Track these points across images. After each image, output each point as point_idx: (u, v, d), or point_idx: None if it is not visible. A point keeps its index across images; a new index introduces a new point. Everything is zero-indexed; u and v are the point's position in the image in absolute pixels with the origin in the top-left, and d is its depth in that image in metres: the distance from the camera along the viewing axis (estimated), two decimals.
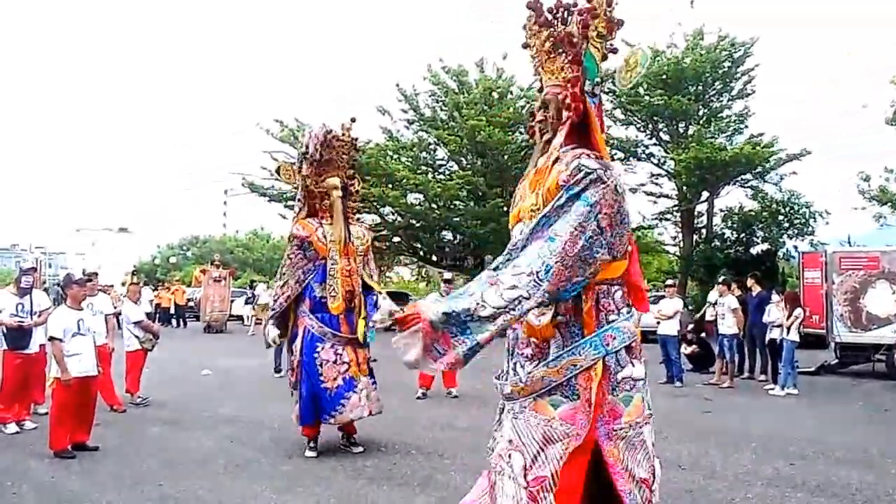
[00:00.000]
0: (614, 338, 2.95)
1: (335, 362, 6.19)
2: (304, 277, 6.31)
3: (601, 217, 2.82)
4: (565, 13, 3.20)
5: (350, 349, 6.27)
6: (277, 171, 6.81)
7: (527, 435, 2.92)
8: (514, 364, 3.13)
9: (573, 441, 2.84)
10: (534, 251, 2.74)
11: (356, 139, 6.86)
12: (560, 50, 3.18)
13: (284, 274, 6.43)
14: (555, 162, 3.06)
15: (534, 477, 2.83)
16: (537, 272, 2.67)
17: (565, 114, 3.12)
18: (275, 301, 6.48)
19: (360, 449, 6.55)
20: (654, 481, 2.98)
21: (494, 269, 2.78)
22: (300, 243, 6.33)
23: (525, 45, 3.36)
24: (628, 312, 3.05)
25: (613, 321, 2.98)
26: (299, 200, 6.57)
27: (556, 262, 2.69)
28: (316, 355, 6.17)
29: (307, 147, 6.40)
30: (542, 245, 2.74)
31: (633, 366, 3.00)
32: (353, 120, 6.80)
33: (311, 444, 6.41)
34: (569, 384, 2.91)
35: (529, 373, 2.99)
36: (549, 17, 3.22)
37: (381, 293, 6.50)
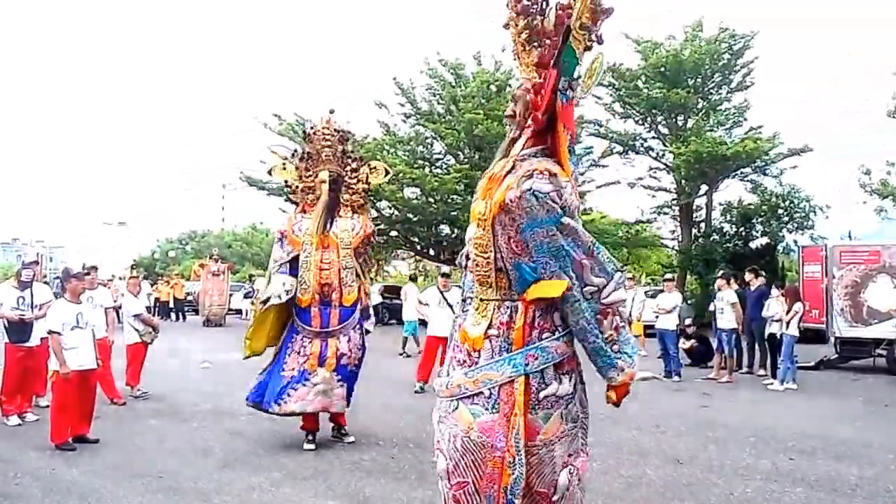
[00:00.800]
0: (536, 357, 2.95)
1: (298, 353, 6.25)
2: (279, 270, 6.38)
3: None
4: (544, 3, 3.08)
5: (318, 342, 6.27)
6: (269, 172, 6.91)
7: (448, 441, 3.02)
8: (449, 366, 3.21)
9: (489, 452, 2.89)
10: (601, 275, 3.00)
11: (344, 131, 6.81)
12: (535, 43, 3.08)
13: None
14: (510, 171, 3.01)
15: (456, 481, 2.98)
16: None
17: (529, 119, 3.06)
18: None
19: (351, 439, 6.60)
20: (553, 493, 2.98)
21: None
22: (280, 237, 6.49)
23: (505, 26, 3.20)
24: (564, 330, 3.03)
25: (545, 339, 2.98)
26: (294, 194, 6.71)
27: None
28: (290, 345, 6.29)
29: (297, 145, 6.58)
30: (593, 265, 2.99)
31: (560, 383, 2.99)
32: (331, 111, 6.76)
33: (310, 437, 6.41)
34: (490, 396, 2.94)
35: (450, 378, 3.09)
36: (528, 3, 3.07)
37: (364, 287, 6.59)
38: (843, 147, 55.44)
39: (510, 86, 24.55)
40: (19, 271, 7.95)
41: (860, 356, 12.70)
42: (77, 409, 6.47)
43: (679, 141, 22.34)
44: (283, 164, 6.66)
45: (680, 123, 23.94)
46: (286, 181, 6.73)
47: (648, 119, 24.48)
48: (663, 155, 24.43)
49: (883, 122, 20.76)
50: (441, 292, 10.32)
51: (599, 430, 7.29)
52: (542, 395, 2.95)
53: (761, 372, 11.69)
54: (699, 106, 23.55)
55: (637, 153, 25.16)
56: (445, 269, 12.57)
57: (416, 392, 9.56)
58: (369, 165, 7.00)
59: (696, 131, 21.91)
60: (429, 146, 25.17)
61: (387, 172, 7.09)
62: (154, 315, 16.59)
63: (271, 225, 54.79)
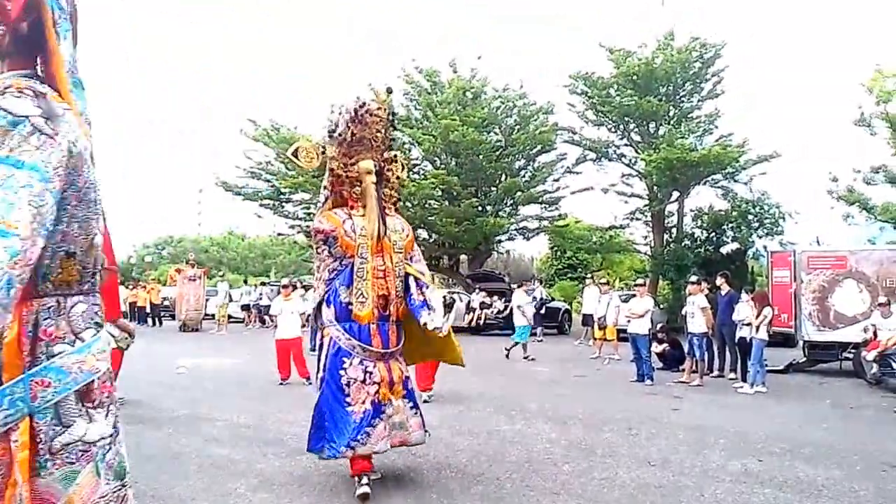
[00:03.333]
0: (49, 384, 1.96)
1: (364, 382, 5.14)
2: (329, 278, 5.35)
3: (55, 186, 1.87)
4: None
5: (382, 366, 5.24)
6: (295, 154, 5.66)
7: None
8: None
9: None
10: None
11: (394, 114, 5.81)
12: None
13: (316, 274, 5.53)
14: None
15: None
16: None
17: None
18: (315, 305, 5.58)
19: (376, 475, 5.45)
20: None
21: None
22: (324, 238, 5.33)
23: None
24: (94, 337, 2.11)
25: (59, 354, 2.00)
26: (325, 188, 5.59)
27: (18, 276, 1.73)
28: (342, 373, 5.15)
29: (335, 124, 5.40)
30: None
31: (90, 421, 2.05)
32: (389, 91, 5.84)
33: (364, 482, 5.17)
34: None
35: None
36: None
37: (430, 288, 5.51)
38: (813, 150, 56.63)
39: (485, 93, 24.79)
40: None
41: (828, 360, 12.97)
42: None
43: (651, 148, 22.74)
44: (323, 148, 5.57)
45: (652, 131, 24.35)
46: (332, 168, 5.44)
47: (621, 126, 24.90)
48: (635, 162, 24.81)
49: (850, 130, 21.33)
50: None
51: (572, 433, 7.42)
52: (58, 442, 1.97)
53: (731, 375, 11.89)
54: (671, 114, 24.00)
55: (610, 160, 25.64)
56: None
57: (424, 402, 8.75)
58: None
59: (667, 139, 22.29)
60: (406, 151, 25.28)
61: (403, 166, 6.03)
62: (130, 320, 16.39)
63: (247, 230, 54.58)
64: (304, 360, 10.76)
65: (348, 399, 5.09)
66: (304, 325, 11.51)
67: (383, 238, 5.34)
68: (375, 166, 5.43)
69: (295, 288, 11.29)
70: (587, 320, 17.77)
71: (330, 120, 5.49)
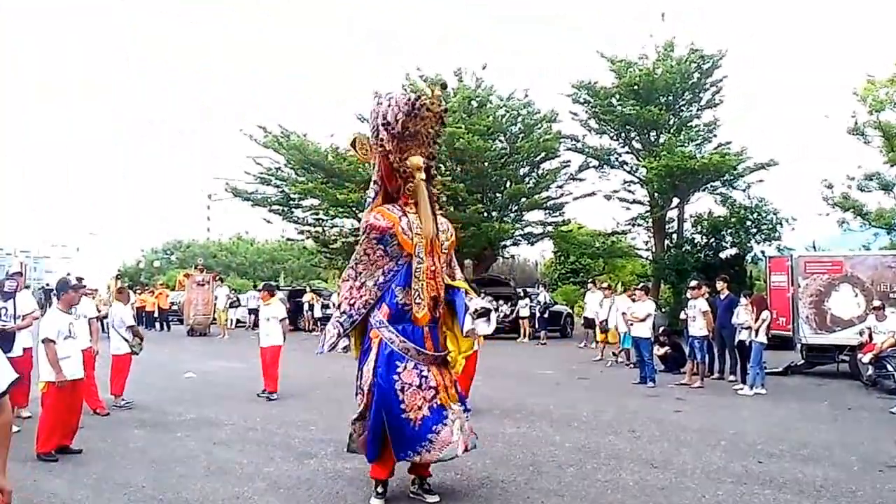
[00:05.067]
0: None
1: (420, 387, 4.93)
2: (385, 279, 5.12)
3: None
4: None
5: (436, 370, 5.06)
6: (353, 145, 5.52)
7: None
8: None
9: None
10: None
11: (445, 111, 5.41)
12: None
13: (361, 273, 5.21)
14: None
15: None
16: None
17: None
18: (350, 306, 5.19)
19: (436, 499, 5.25)
20: None
21: None
22: (379, 236, 5.08)
23: None
24: None
25: None
26: (375, 182, 5.38)
27: None
28: (396, 377, 4.91)
29: (386, 117, 5.09)
30: None
31: None
32: (443, 86, 5.63)
33: (380, 490, 5.17)
34: None
35: None
36: None
37: (469, 295, 5.29)
38: (809, 156, 56.80)
39: (490, 102, 25.01)
40: (2, 282, 7.92)
41: (825, 362, 13.05)
42: (65, 419, 6.48)
43: (651, 156, 22.94)
44: (369, 140, 5.42)
45: (652, 139, 24.55)
46: (387, 162, 5.21)
47: (622, 135, 25.14)
48: (637, 169, 24.98)
49: (845, 138, 21.41)
50: None
51: (575, 435, 7.50)
52: None
53: (732, 378, 11.96)
54: (671, 122, 24.19)
55: (612, 167, 25.85)
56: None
57: None
58: None
59: (668, 147, 22.46)
60: None
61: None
62: (138, 325, 16.49)
63: (256, 235, 54.72)
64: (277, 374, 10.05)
65: (403, 406, 4.87)
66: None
67: (435, 238, 5.20)
68: (426, 164, 5.24)
69: (273, 293, 10.72)
70: (589, 324, 17.85)
71: (377, 111, 5.19)
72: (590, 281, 21.86)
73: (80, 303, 8.34)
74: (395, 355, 4.96)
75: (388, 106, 5.07)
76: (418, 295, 5.03)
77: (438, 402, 4.95)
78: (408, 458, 4.97)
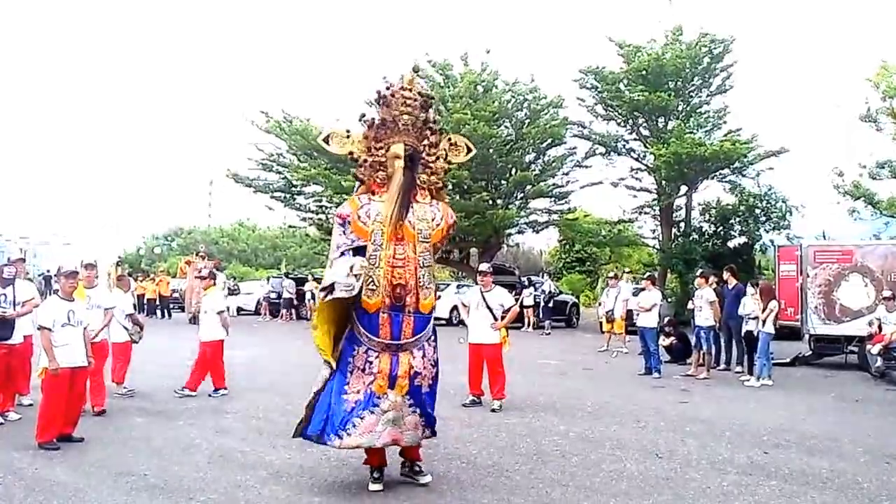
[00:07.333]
0: None
1: (363, 371, 5.04)
2: (340, 255, 5.17)
3: None
4: None
5: (387, 357, 5.06)
6: (326, 140, 5.49)
7: None
8: None
9: None
10: None
11: (428, 96, 5.49)
12: None
13: (328, 258, 5.40)
14: None
15: None
16: None
17: None
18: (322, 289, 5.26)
19: (428, 478, 5.34)
20: None
21: None
22: (341, 222, 5.22)
23: None
24: None
25: None
26: (363, 172, 5.45)
27: None
28: (350, 359, 5.07)
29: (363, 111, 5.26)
30: None
31: None
32: (415, 70, 5.63)
33: (376, 475, 5.23)
34: None
35: None
36: None
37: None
38: (820, 144, 56.33)
39: (496, 87, 24.80)
40: (1, 268, 7.89)
41: (833, 353, 12.98)
42: (65, 408, 6.44)
43: (660, 143, 22.70)
44: (348, 132, 5.41)
45: (661, 126, 24.30)
46: (350, 153, 5.33)
47: (630, 121, 24.88)
48: (644, 156, 24.80)
49: (857, 125, 21.17)
50: (482, 293, 8.66)
51: (580, 425, 7.47)
52: None
53: (738, 368, 11.89)
54: (680, 108, 23.94)
55: (619, 154, 25.60)
56: (484, 266, 10.17)
57: (463, 405, 8.44)
58: (449, 139, 5.65)
59: (676, 133, 22.25)
60: None
61: (469, 150, 5.73)
62: (139, 312, 16.44)
63: (258, 221, 54.68)
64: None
65: (346, 387, 5.02)
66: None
67: (403, 225, 5.13)
68: (408, 150, 5.22)
69: (214, 277, 10.18)
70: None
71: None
72: (611, 276, 21.46)
73: (95, 291, 8.22)
74: (353, 338, 5.11)
75: (376, 98, 5.26)
76: (372, 281, 5.02)
77: (372, 389, 5.02)
78: (328, 442, 5.05)
